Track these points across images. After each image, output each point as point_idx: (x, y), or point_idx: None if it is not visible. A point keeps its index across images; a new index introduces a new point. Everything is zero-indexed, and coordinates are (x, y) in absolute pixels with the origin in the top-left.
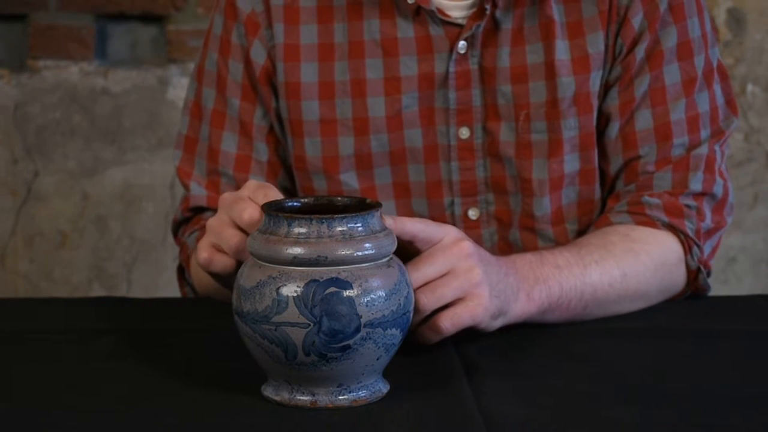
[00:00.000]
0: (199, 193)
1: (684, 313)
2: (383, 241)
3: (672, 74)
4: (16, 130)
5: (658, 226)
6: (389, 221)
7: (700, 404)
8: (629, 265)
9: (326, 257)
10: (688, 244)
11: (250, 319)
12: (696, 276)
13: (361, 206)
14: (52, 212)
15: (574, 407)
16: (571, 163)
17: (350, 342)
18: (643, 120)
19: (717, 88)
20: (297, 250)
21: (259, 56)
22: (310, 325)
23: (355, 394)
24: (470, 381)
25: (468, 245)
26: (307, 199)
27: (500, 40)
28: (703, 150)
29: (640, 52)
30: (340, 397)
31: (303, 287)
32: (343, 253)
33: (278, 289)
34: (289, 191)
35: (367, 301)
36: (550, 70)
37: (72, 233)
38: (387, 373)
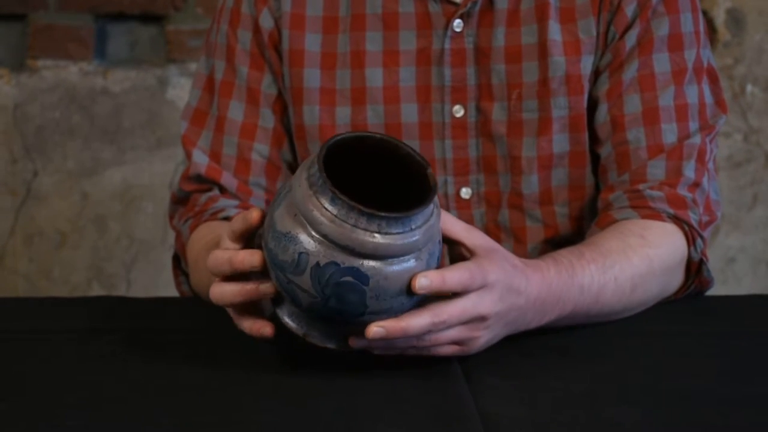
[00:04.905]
0: (200, 161)
1: (683, 313)
2: (418, 242)
3: (661, 62)
4: (15, 129)
5: (664, 219)
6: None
7: (700, 404)
8: (642, 275)
9: (353, 248)
10: (692, 235)
11: (270, 255)
12: (698, 268)
13: (417, 194)
14: (51, 212)
15: (574, 407)
16: (560, 143)
17: (351, 320)
18: (632, 104)
19: (706, 87)
20: (330, 228)
21: (266, 23)
22: (317, 297)
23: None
24: (469, 381)
25: (493, 297)
26: (372, 135)
27: (496, 19)
28: (696, 140)
29: (631, 38)
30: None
31: (323, 265)
32: (370, 247)
33: (300, 254)
34: (291, 165)
35: (379, 295)
36: (542, 50)
37: (71, 233)
38: (386, 374)
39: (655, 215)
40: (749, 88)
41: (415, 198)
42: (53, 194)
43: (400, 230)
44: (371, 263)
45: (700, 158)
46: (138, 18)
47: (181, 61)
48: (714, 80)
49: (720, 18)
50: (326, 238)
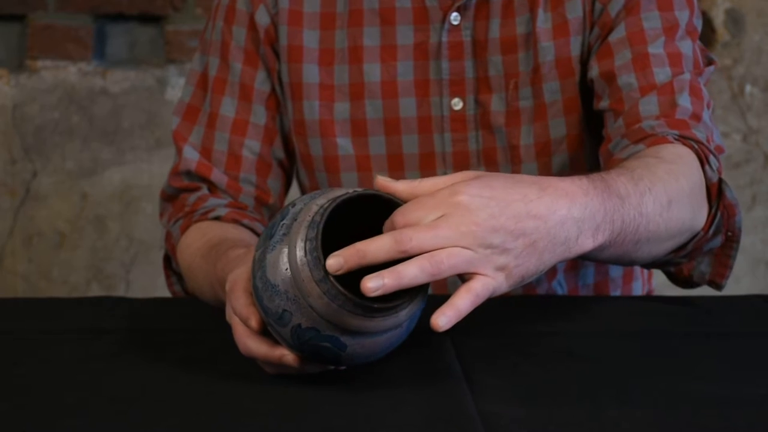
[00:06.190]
0: (191, 156)
1: (683, 313)
2: (401, 318)
3: (651, 20)
4: (14, 130)
5: (671, 140)
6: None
7: (699, 405)
8: (673, 190)
9: (337, 324)
10: (703, 152)
11: (256, 292)
12: (719, 189)
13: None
14: (50, 212)
15: (574, 407)
16: (556, 128)
17: (324, 365)
18: (622, 57)
19: (698, 48)
20: (317, 302)
21: (262, 19)
22: (294, 349)
23: None
24: (469, 381)
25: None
26: (376, 195)
27: (491, 11)
28: (686, 76)
29: (618, 4)
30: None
31: (304, 328)
32: (353, 327)
33: (285, 311)
34: (282, 163)
35: (354, 358)
36: (533, 39)
37: (70, 233)
38: (386, 373)
39: (661, 140)
40: (748, 88)
41: None
42: (52, 195)
43: (386, 315)
44: (351, 337)
45: (694, 92)
46: (137, 18)
47: (180, 62)
48: (702, 49)
49: (719, 18)
50: (311, 308)
